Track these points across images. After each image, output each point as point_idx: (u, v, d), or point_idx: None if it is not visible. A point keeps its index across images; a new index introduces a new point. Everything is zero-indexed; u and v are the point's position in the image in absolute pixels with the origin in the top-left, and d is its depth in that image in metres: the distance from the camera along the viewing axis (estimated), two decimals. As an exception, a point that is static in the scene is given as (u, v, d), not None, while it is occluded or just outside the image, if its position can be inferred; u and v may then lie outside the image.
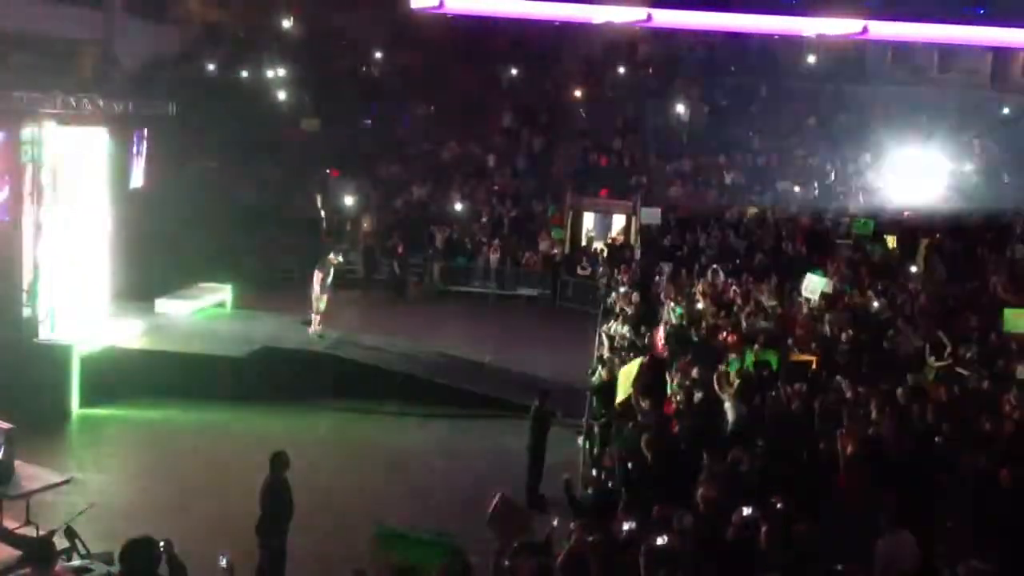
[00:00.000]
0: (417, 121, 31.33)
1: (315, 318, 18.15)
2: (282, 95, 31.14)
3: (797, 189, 27.50)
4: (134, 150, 18.32)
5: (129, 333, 16.94)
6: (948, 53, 33.38)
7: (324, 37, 35.55)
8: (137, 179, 18.68)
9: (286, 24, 35.67)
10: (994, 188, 27.28)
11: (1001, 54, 32.87)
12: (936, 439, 10.35)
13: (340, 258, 19.32)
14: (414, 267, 25.41)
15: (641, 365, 12.61)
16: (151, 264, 19.76)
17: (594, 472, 11.00)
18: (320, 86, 31.47)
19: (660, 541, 7.57)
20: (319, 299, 18.07)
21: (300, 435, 13.98)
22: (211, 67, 32.73)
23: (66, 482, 10.88)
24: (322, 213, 26.41)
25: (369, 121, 31.64)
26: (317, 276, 18.11)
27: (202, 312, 19.42)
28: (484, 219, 27.13)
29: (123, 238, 17.96)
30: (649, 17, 24.62)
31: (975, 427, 10.82)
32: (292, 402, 15.82)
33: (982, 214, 25.64)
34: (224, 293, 20.30)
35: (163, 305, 18.82)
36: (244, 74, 31.60)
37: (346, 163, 28.38)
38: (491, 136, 30.86)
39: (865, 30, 25.83)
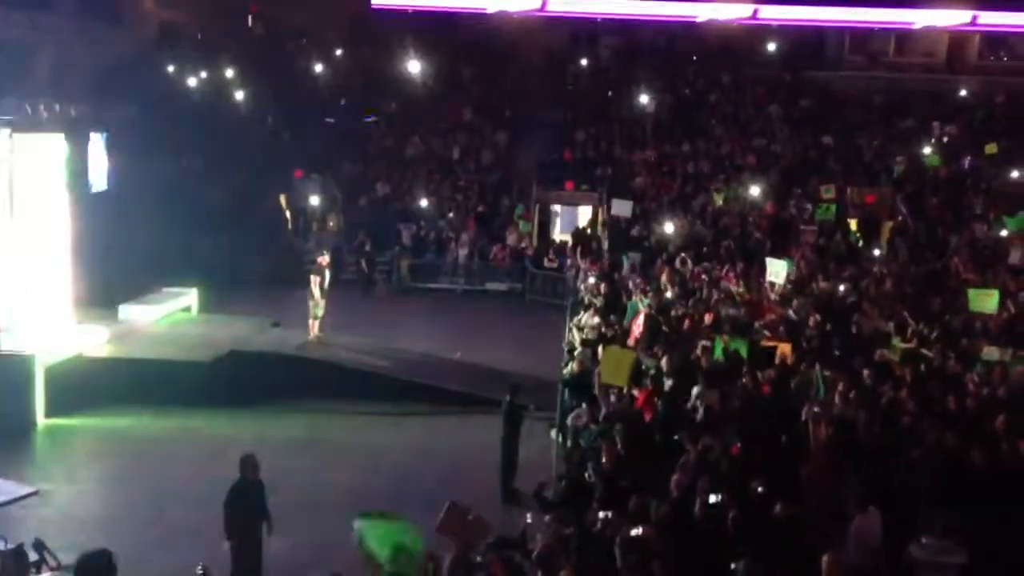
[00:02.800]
0: (379, 118, 31.15)
1: (313, 323, 18.08)
2: (243, 94, 30.85)
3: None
4: (94, 154, 18.04)
5: (93, 341, 16.70)
6: (905, 38, 33.81)
7: (284, 36, 35.32)
8: (98, 183, 18.40)
9: (245, 24, 35.43)
10: (953, 170, 27.63)
11: (957, 38, 33.32)
12: (903, 418, 10.48)
13: (328, 256, 19.20)
14: (381, 265, 25.29)
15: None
16: (114, 269, 19.51)
17: (567, 465, 11.01)
18: (282, 85, 31.22)
19: (635, 532, 7.61)
20: (317, 305, 17.99)
21: (271, 438, 13.87)
22: (170, 68, 32.35)
23: (33, 494, 10.72)
24: (287, 213, 26.23)
25: (332, 119, 31.41)
26: (315, 281, 17.99)
27: (167, 317, 19.19)
28: (451, 214, 27.06)
29: (85, 244, 17.71)
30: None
31: (941, 406, 10.97)
32: (262, 405, 15.69)
33: (942, 196, 25.99)
34: (189, 297, 20.08)
35: (127, 311, 18.56)
36: (204, 75, 31.24)
37: (310, 162, 28.17)
38: (454, 131, 30.77)
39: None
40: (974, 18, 26.26)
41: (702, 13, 28.54)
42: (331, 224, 26.26)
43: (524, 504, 11.92)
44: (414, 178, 28.43)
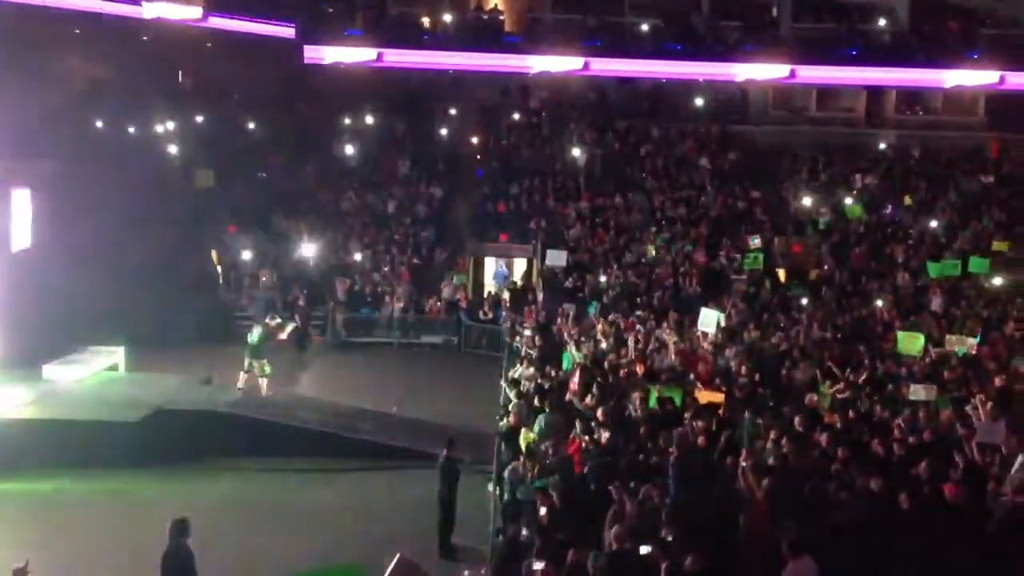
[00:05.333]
0: (314, 172, 31.10)
1: (263, 382, 18.21)
2: (174, 149, 30.53)
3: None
4: (16, 211, 17.63)
5: (14, 402, 16.17)
6: (825, 94, 35.06)
7: (215, 91, 35.16)
8: (20, 241, 17.95)
9: (175, 79, 35.21)
10: (874, 220, 28.52)
11: (874, 93, 34.66)
12: (833, 465, 10.66)
13: (276, 320, 19.79)
14: (316, 319, 25.03)
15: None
16: (38, 329, 18.95)
17: (504, 519, 10.93)
18: (213, 141, 31.01)
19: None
20: (263, 364, 18.17)
21: (202, 499, 13.56)
22: (97, 124, 31.93)
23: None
24: (218, 268, 25.87)
25: (264, 174, 31.26)
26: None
27: (93, 376, 18.67)
28: (386, 268, 26.98)
29: (7, 303, 17.20)
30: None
31: (868, 451, 11.20)
32: (193, 465, 15.34)
33: (866, 245, 26.78)
34: (116, 355, 19.58)
35: (51, 371, 18.03)
36: (131, 130, 30.88)
37: (242, 217, 27.91)
38: (389, 186, 30.85)
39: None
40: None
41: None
42: (264, 279, 25.95)
43: (462, 559, 11.82)
44: (349, 232, 28.35)
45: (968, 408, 12.85)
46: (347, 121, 32.91)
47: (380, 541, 12.15)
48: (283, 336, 19.54)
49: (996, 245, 25.13)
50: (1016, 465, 10.59)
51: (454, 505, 12.57)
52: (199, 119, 33.27)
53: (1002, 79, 27.65)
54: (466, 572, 8.87)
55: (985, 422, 11.95)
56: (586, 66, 27.59)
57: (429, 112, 33.91)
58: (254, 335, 18.47)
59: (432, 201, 30.33)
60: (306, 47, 26.90)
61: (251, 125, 33.22)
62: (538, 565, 8.24)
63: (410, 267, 27.05)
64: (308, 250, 26.04)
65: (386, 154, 32.06)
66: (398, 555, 7.85)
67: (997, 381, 15.02)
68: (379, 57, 27.07)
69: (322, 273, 26.36)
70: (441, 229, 29.23)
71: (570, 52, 27.31)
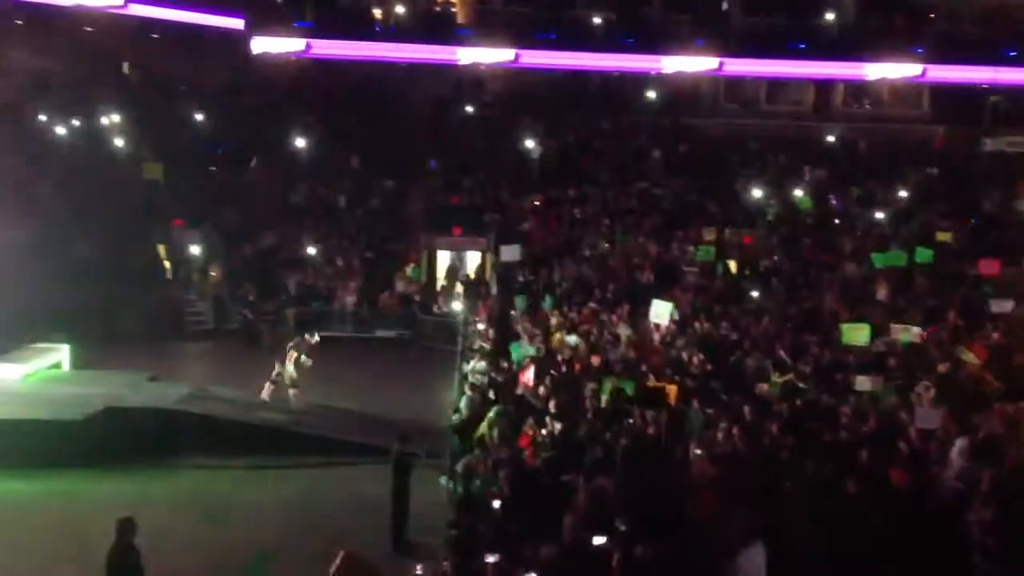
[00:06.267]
0: (264, 166, 30.73)
1: (292, 392, 17.51)
2: (120, 142, 29.95)
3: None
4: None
5: (-45, 402, 15.76)
6: (775, 87, 35.51)
7: (163, 83, 34.58)
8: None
9: (122, 71, 34.56)
10: (822, 211, 28.91)
11: (823, 87, 35.19)
12: (782, 453, 10.80)
13: (316, 338, 18.57)
14: (267, 315, 24.73)
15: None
16: (-22, 326, 18.50)
17: (458, 512, 10.91)
18: (160, 134, 30.48)
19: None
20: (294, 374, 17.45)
21: (150, 497, 13.35)
22: (42, 118, 31.21)
23: None
24: (166, 263, 25.44)
25: (214, 167, 30.79)
26: (291, 356, 17.58)
27: (35, 375, 18.26)
28: (338, 262, 26.75)
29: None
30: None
31: (816, 439, 11.36)
32: (141, 464, 15.04)
33: (814, 236, 27.14)
34: (60, 353, 19.16)
35: (-8, 369, 17.60)
36: (76, 123, 30.23)
37: (191, 211, 27.46)
38: (341, 179, 30.58)
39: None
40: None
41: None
42: (213, 274, 25.58)
43: (415, 555, 11.77)
44: (300, 226, 28.05)
45: (913, 396, 13.09)
46: (297, 114, 32.53)
47: (332, 537, 12.03)
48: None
49: (940, 236, 25.61)
50: (955, 449, 10.84)
51: (407, 500, 12.52)
52: (146, 112, 32.67)
53: (924, 72, 28.44)
54: (419, 567, 8.82)
55: (924, 408, 12.22)
56: (517, 59, 27.72)
57: (381, 105, 33.65)
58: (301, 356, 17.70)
59: (384, 194, 30.14)
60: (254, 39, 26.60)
61: (199, 117, 32.69)
62: (491, 558, 8.24)
63: (363, 261, 26.86)
64: (258, 244, 25.73)
65: (337, 147, 31.77)
66: (343, 552, 7.78)
67: (940, 368, 15.32)
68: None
69: (273, 268, 26.05)
70: (394, 222, 29.05)
71: (503, 44, 27.29)
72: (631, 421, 12.04)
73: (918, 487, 9.87)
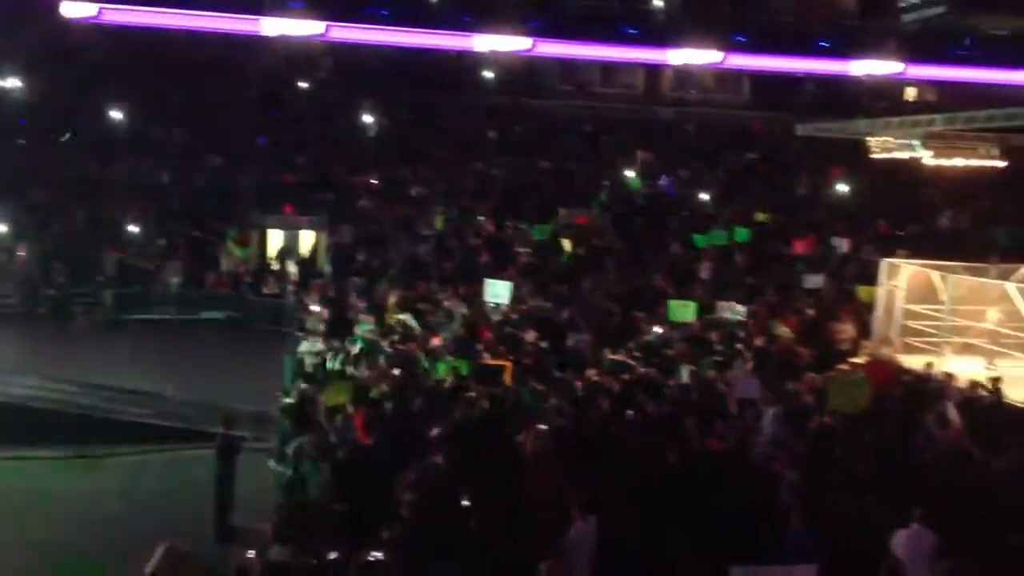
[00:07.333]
0: (77, 140, 28.82)
1: None
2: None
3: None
4: None
5: None
6: (609, 70, 36.31)
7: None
8: None
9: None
10: (651, 192, 29.86)
11: (652, 71, 36.24)
12: (611, 426, 11.05)
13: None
14: (82, 296, 23.25)
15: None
16: None
17: (286, 495, 10.59)
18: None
19: (371, 557, 7.50)
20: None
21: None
22: None
23: None
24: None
25: (23, 141, 28.60)
26: None
27: None
28: (161, 241, 25.46)
29: None
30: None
31: (643, 411, 11.69)
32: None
33: (645, 217, 28.00)
34: None
35: None
36: None
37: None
38: (164, 154, 29.06)
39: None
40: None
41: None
42: (20, 254, 23.82)
43: (241, 540, 11.34)
44: (119, 203, 26.48)
45: (733, 370, 13.70)
46: (116, 86, 30.64)
47: (152, 527, 11.46)
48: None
49: (759, 216, 26.96)
50: (767, 418, 11.45)
51: (232, 485, 12.04)
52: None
53: (725, 58, 30.19)
54: (250, 552, 8.47)
55: (741, 379, 12.84)
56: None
57: (208, 78, 32.15)
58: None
59: (212, 171, 28.89)
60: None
61: (4, 86, 30.25)
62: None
63: (188, 239, 25.68)
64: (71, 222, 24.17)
65: (159, 121, 30.17)
66: (166, 544, 7.38)
67: (758, 342, 16.12)
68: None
69: (88, 247, 24.51)
70: (223, 200, 27.89)
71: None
72: (463, 397, 12.01)
73: (735, 455, 10.31)
